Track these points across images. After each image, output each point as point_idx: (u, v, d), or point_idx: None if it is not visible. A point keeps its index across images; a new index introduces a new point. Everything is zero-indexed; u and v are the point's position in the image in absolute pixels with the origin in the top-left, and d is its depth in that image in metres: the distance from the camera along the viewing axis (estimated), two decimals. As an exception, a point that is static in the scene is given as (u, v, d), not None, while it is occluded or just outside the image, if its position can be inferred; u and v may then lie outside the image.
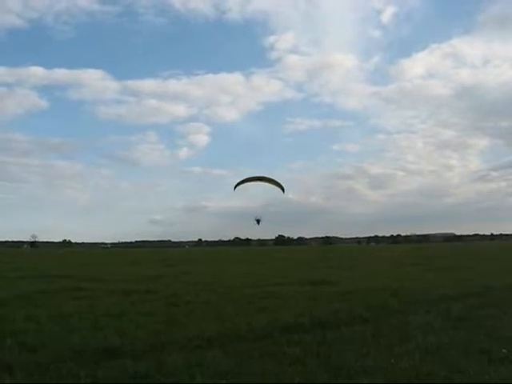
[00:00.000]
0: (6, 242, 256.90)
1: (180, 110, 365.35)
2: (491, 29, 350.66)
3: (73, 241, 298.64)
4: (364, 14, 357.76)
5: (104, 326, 14.54)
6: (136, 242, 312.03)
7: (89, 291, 23.78)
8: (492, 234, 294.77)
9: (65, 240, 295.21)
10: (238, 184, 29.49)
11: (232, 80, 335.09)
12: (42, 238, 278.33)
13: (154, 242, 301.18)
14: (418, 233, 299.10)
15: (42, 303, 19.69)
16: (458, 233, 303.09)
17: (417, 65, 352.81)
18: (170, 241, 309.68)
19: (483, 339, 12.18)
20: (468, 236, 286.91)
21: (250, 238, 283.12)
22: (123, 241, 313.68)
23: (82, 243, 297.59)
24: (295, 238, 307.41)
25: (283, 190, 30.57)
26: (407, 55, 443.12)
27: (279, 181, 30.91)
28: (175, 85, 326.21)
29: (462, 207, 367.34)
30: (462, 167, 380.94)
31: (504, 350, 10.87)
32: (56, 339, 12.53)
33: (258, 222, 30.50)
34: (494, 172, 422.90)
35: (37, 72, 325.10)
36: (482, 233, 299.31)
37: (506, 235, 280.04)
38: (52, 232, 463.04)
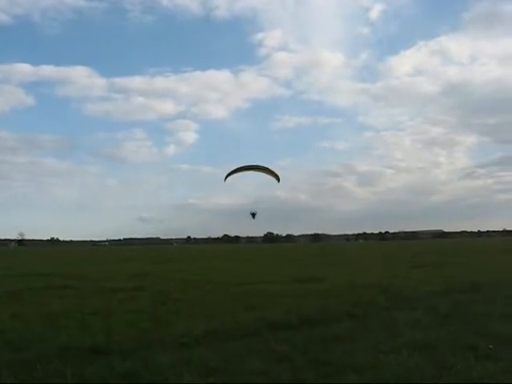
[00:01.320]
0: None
1: (168, 107, 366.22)
2: (478, 27, 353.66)
3: (61, 239, 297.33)
4: (352, 11, 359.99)
5: (91, 324, 14.46)
6: (124, 239, 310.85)
7: (76, 289, 23.69)
8: (479, 231, 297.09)
9: (53, 238, 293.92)
10: (230, 174, 27.87)
11: (220, 77, 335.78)
12: (29, 236, 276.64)
13: (142, 239, 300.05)
14: (406, 230, 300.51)
15: (29, 301, 19.59)
16: (445, 230, 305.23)
17: (404, 62, 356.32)
18: (158, 238, 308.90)
19: (470, 335, 12.24)
20: (456, 233, 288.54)
21: (238, 235, 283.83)
22: (112, 238, 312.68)
23: (71, 241, 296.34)
24: (284, 235, 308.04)
25: (278, 179, 28.79)
26: (395, 52, 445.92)
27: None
28: (163, 82, 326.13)
29: (449, 204, 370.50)
30: (449, 164, 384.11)
31: (491, 347, 10.94)
32: (43, 338, 12.45)
33: (254, 215, 28.96)
34: (481, 169, 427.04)
35: (23, 69, 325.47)
36: (469, 230, 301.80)
37: (493, 232, 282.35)
38: (40, 230, 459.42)
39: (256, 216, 28.84)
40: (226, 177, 28.04)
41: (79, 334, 12.93)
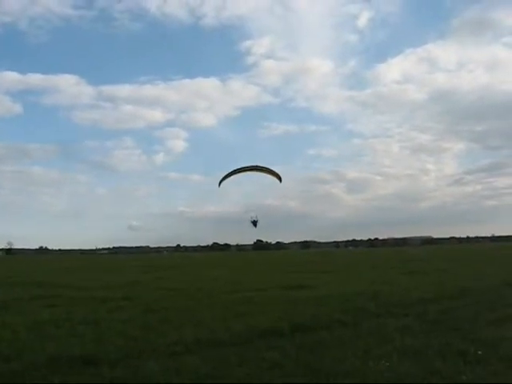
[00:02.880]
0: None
1: (156, 115, 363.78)
2: (465, 34, 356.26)
3: (50, 248, 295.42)
4: (340, 19, 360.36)
5: (81, 333, 14.36)
6: (114, 248, 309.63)
7: (65, 299, 23.51)
8: (468, 237, 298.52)
9: (41, 247, 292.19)
10: (227, 176, 25.86)
11: (209, 85, 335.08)
12: (17, 245, 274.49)
13: (132, 248, 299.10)
14: (396, 236, 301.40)
15: (18, 311, 19.42)
16: (434, 236, 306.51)
17: (392, 69, 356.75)
18: (148, 247, 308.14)
19: (459, 341, 12.32)
20: (445, 239, 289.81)
21: (228, 243, 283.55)
22: (101, 247, 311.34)
23: (60, 250, 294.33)
24: (274, 242, 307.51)
25: (280, 178, 26.87)
26: (383, 60, 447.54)
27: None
28: (151, 90, 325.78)
29: (438, 210, 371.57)
30: (437, 171, 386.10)
31: (479, 352, 11.00)
32: (31, 347, 12.36)
33: (255, 224, 26.63)
34: (469, 176, 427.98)
35: (11, 77, 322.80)
36: (458, 236, 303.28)
37: (482, 238, 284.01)
38: (28, 239, 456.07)
39: (258, 224, 26.86)
40: (224, 179, 26.39)
41: (68, 343, 12.83)
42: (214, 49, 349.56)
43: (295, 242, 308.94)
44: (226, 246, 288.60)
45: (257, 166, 26.27)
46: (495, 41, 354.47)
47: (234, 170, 25.76)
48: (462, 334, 13.24)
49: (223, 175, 26.26)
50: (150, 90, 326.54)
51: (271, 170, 26.57)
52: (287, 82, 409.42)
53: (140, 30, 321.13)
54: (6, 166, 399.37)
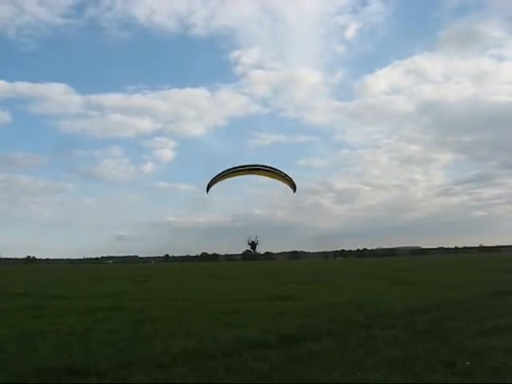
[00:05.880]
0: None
1: (145, 124, 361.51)
2: (452, 46, 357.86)
3: (37, 257, 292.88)
4: (328, 29, 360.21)
5: (68, 344, 14.26)
6: (102, 257, 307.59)
7: (52, 309, 23.31)
8: (456, 247, 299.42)
9: (29, 256, 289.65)
10: (216, 179, 21.74)
11: (197, 95, 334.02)
12: (4, 255, 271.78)
13: (120, 257, 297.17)
14: (384, 246, 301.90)
15: (4, 322, 19.21)
16: (423, 246, 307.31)
17: (380, 80, 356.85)
18: (136, 256, 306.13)
19: (447, 352, 12.36)
20: (433, 249, 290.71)
21: (217, 253, 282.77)
22: (88, 257, 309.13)
23: (47, 259, 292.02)
24: (262, 253, 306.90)
25: (294, 187, 22.53)
26: (371, 71, 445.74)
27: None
28: (140, 99, 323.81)
29: (426, 221, 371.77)
30: (426, 181, 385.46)
31: (467, 363, 11.04)
32: (17, 359, 12.24)
33: (254, 246, 23.07)
34: (458, 186, 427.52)
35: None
36: (446, 246, 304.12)
37: (470, 248, 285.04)
38: (15, 248, 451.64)
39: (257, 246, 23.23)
40: (212, 183, 22.28)
41: (55, 354, 12.75)
42: (202, 58, 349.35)
43: (284, 252, 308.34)
44: (215, 255, 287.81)
45: (265, 167, 21.84)
46: (482, 53, 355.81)
47: (236, 168, 21.54)
48: (450, 344, 13.27)
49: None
50: (138, 100, 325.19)
51: (284, 175, 22.08)
52: (276, 92, 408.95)
53: (129, 39, 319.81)
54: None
